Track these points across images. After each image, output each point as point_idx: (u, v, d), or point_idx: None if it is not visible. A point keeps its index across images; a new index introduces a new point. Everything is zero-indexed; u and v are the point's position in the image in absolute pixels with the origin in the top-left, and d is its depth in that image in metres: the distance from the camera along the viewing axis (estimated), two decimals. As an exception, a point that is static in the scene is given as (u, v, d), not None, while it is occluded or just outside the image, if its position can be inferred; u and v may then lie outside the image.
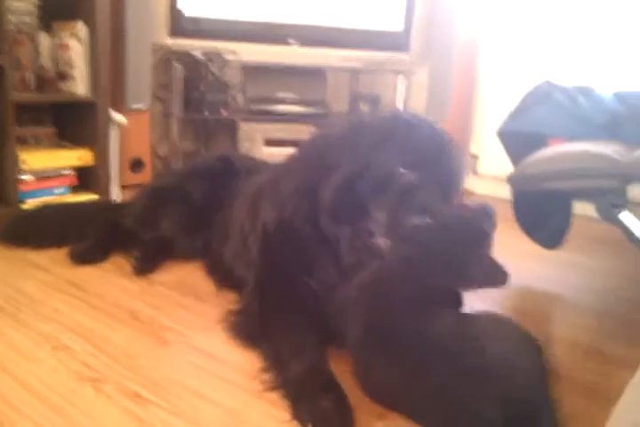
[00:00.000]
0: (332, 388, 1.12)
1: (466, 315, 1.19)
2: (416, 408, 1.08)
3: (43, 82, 2.29)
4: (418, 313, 1.13)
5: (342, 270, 1.34)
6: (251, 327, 1.36)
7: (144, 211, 1.95)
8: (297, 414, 1.09)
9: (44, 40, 2.31)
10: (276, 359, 1.24)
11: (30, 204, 2.18)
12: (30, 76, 2.27)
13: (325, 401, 1.07)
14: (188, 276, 1.80)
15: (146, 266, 1.78)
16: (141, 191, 2.07)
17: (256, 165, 1.99)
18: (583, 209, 2.24)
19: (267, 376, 1.21)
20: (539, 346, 1.15)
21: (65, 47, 2.30)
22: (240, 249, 1.64)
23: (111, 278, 1.74)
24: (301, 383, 1.13)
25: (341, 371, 1.19)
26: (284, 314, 1.33)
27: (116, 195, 2.49)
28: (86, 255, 1.85)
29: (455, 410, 1.01)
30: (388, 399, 1.13)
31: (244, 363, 1.29)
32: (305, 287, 1.38)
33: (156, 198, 1.97)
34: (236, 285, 1.61)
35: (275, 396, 1.16)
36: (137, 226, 1.93)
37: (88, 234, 1.93)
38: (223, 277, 1.71)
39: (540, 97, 1.83)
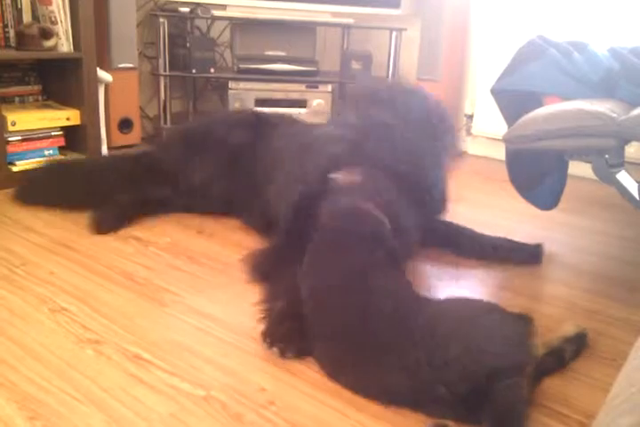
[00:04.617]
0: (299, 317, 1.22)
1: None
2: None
3: (24, 39, 2.19)
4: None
5: None
6: (265, 267, 1.52)
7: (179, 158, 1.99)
8: (265, 335, 1.21)
9: (25, -5, 2.22)
10: (268, 295, 1.40)
11: (19, 166, 2.14)
12: (11, 33, 2.19)
13: (287, 325, 1.21)
14: (179, 237, 1.79)
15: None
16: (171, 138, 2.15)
17: (287, 120, 2.09)
18: (579, 169, 2.25)
19: (260, 307, 1.34)
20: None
21: (46, 2, 2.21)
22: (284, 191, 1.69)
23: (104, 241, 1.73)
24: (277, 314, 1.26)
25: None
26: (292, 262, 1.43)
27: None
28: (110, 225, 1.82)
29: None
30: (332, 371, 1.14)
31: (240, 323, 1.31)
32: None
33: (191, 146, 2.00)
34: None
35: (271, 354, 1.18)
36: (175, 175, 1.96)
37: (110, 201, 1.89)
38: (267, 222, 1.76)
39: (534, 53, 1.78)
